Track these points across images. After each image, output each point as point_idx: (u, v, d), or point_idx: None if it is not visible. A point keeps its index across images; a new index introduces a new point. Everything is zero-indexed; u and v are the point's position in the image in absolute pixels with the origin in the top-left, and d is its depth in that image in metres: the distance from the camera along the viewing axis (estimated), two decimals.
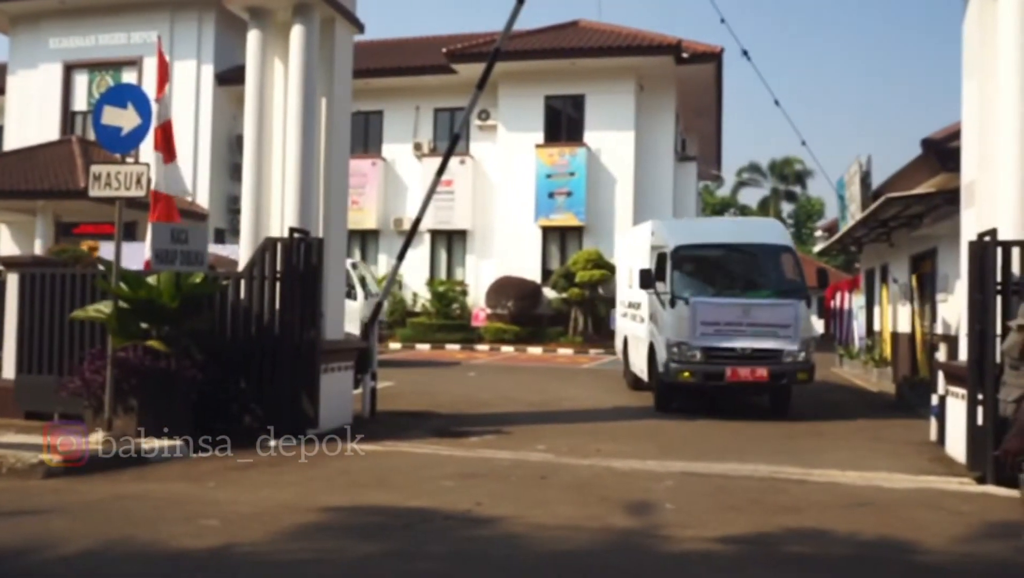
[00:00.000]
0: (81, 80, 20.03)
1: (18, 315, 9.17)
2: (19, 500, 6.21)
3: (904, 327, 15.13)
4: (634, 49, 22.82)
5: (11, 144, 19.66)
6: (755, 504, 6.39)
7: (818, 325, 18.65)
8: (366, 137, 23.91)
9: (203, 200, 19.26)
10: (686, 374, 10.79)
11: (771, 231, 12.67)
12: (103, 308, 8.19)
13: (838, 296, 21.09)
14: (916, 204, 11.96)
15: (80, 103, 20.01)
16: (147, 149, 9.22)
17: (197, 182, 19.40)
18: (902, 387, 13.18)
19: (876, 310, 17.90)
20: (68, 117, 19.97)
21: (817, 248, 28.70)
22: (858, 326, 18.55)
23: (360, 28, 10.16)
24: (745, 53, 12.93)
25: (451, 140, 11.32)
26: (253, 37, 9.28)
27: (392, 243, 23.69)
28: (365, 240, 24.73)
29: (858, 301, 18.93)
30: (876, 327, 17.76)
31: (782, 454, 8.45)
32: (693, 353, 10.75)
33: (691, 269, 11.58)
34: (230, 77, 19.07)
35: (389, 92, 22.96)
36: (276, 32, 9.31)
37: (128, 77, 19.05)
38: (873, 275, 18.54)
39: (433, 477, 7.18)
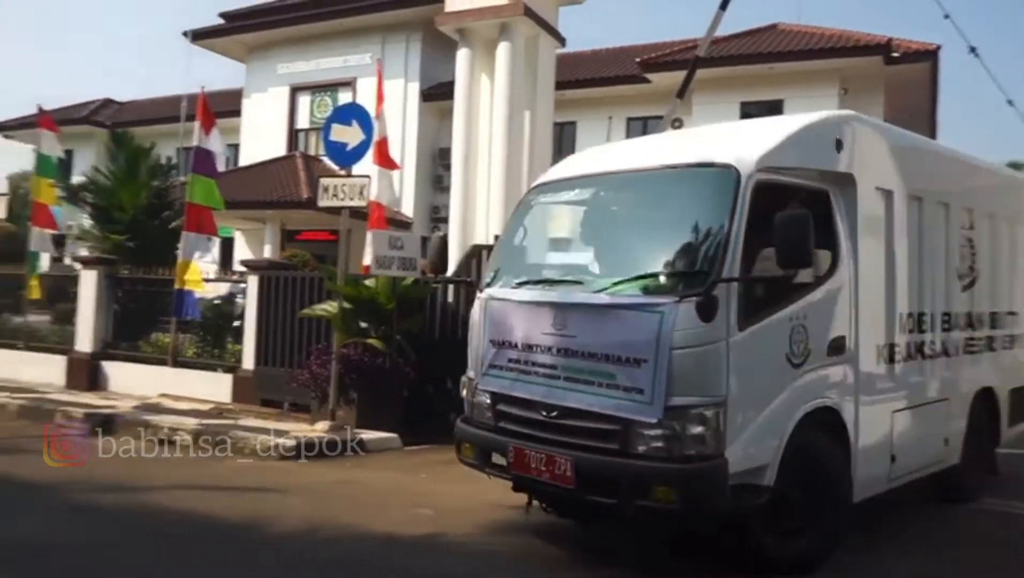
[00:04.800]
0: (304, 101, 21.95)
1: (256, 313, 10.23)
2: (260, 478, 6.97)
3: None
4: (838, 51, 21.61)
5: (245, 160, 21.90)
6: None
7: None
8: (560, 147, 24.33)
9: (408, 209, 20.47)
10: (466, 448, 5.37)
11: (715, 142, 5.49)
12: (328, 307, 8.97)
13: None
14: None
15: (303, 122, 21.92)
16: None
17: (403, 192, 20.67)
18: None
19: None
20: (293, 135, 21.94)
21: None
22: None
23: (562, 42, 10.47)
24: (973, 50, 11.93)
25: None
26: (462, 56, 9.84)
27: None
28: None
29: None
30: None
31: None
32: (481, 402, 5.34)
33: (536, 231, 5.82)
34: (433, 94, 20.13)
35: (582, 103, 23.23)
36: (483, 50, 9.81)
37: (344, 97, 20.61)
38: None
39: None
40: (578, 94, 23.30)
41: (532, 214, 5.74)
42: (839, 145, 5.25)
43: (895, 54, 21.37)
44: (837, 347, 5.03)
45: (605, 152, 6.23)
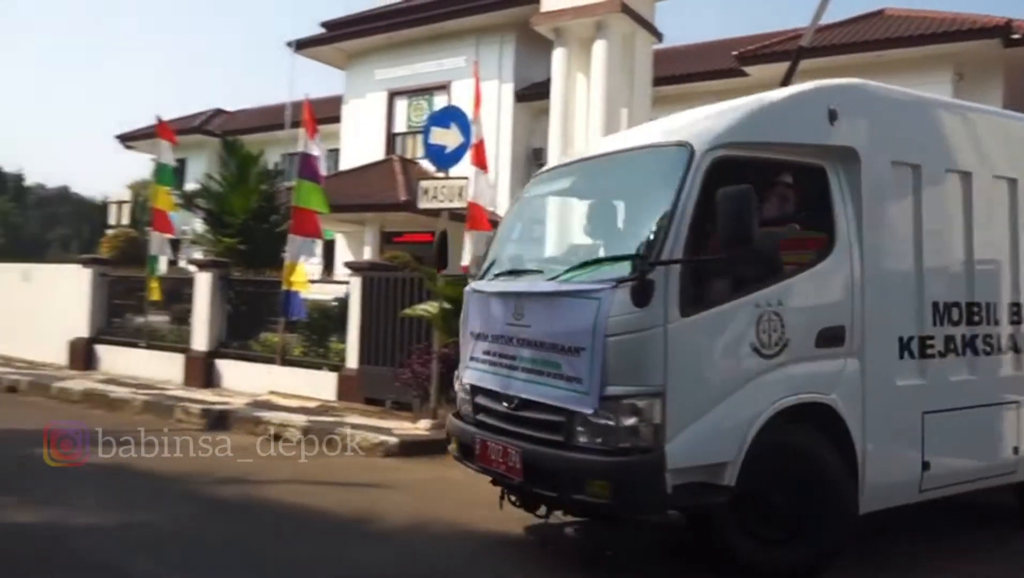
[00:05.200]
0: (401, 105, 22.44)
1: (360, 313, 10.52)
2: (366, 474, 7.18)
3: None
4: (951, 35, 20.51)
5: (345, 164, 22.57)
6: None
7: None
8: None
9: (503, 210, 20.62)
10: (453, 443, 5.33)
11: (694, 120, 5.11)
12: (429, 307, 9.14)
13: None
14: None
15: (400, 125, 22.42)
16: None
17: (497, 193, 20.87)
18: None
19: None
20: (390, 138, 22.46)
21: None
22: None
23: (659, 37, 10.33)
24: None
25: None
26: (558, 55, 9.85)
27: None
28: None
29: None
30: None
31: None
32: (463, 396, 5.35)
33: (524, 222, 5.82)
34: (527, 94, 20.21)
35: (679, 99, 22.70)
36: (579, 49, 9.79)
37: (439, 100, 20.95)
38: None
39: None
40: (675, 90, 22.89)
41: (522, 206, 5.70)
42: (833, 116, 4.75)
43: (1015, 36, 20.14)
44: (832, 338, 4.58)
45: (602, 140, 5.98)
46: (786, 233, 4.84)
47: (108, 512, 5.72)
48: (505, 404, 4.74)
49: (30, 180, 72.39)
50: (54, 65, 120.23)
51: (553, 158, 9.88)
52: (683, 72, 23.54)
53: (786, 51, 18.78)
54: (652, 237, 4.20)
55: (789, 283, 4.51)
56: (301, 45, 22.96)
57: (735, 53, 22.47)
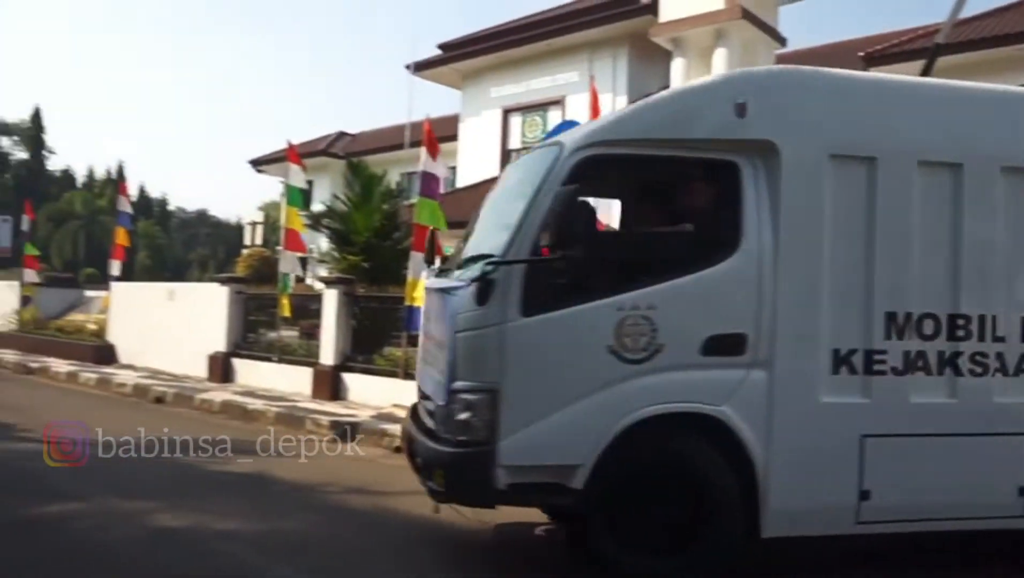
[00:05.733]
0: (515, 122, 22.70)
1: None
2: None
3: None
4: None
5: (462, 182, 23.04)
6: None
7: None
8: None
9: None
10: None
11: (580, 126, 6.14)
12: None
13: None
14: None
15: (514, 142, 22.68)
16: None
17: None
18: None
19: None
20: (505, 155, 22.75)
21: None
22: None
23: (782, 43, 10.01)
24: None
25: None
26: (677, 65, 9.71)
27: None
28: None
29: None
30: None
31: None
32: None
33: (475, 222, 5.86)
34: None
35: None
36: (698, 58, 9.61)
37: (553, 115, 21.07)
38: None
39: None
40: None
41: (482, 206, 5.58)
42: (742, 110, 4.34)
43: None
44: (727, 346, 4.27)
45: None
46: (669, 233, 4.60)
47: (247, 519, 5.99)
48: (423, 399, 5.08)
49: (172, 204, 77.97)
50: (191, 94, 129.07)
51: None
52: None
53: (916, 50, 17.82)
54: (507, 237, 4.27)
55: (668, 286, 4.25)
56: (419, 67, 23.67)
57: (861, 54, 21.56)
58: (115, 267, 17.28)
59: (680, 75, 9.68)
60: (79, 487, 6.58)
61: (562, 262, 4.12)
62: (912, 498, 4.51)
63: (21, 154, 62.60)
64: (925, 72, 9.79)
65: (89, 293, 22.96)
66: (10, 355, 16.86)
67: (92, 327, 17.98)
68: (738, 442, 4.27)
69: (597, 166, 4.34)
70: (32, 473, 6.95)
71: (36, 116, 58.10)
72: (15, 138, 60.30)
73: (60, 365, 15.30)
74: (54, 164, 67.40)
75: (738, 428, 4.26)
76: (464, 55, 22.92)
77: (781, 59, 20.66)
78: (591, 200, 4.87)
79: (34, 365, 15.50)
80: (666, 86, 10.95)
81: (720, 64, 9.26)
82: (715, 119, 4.42)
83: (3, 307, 19.88)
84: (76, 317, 19.88)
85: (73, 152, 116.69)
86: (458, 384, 4.24)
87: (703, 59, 9.62)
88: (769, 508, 4.30)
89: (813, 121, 4.50)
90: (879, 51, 21.29)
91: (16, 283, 19.96)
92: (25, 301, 19.57)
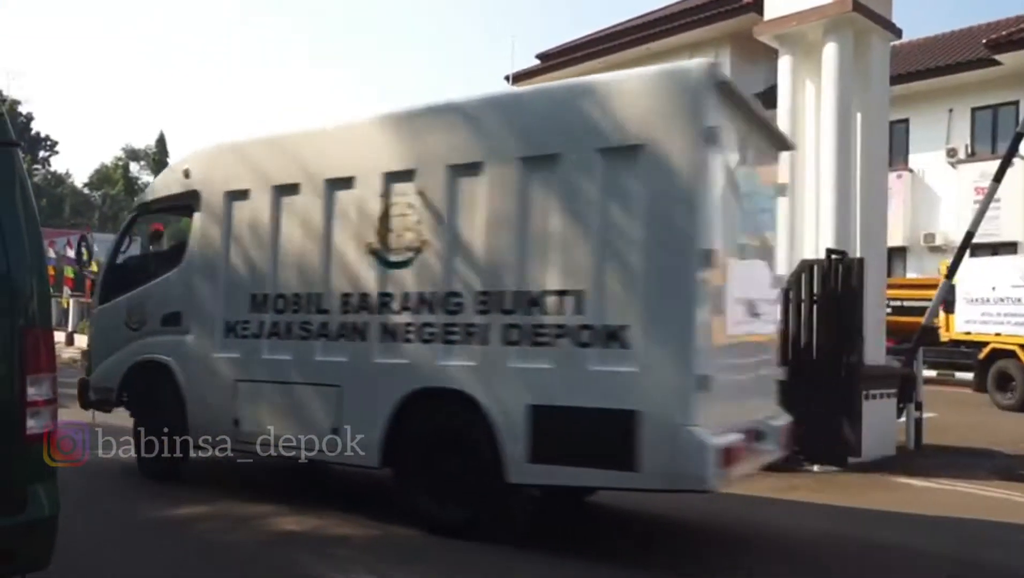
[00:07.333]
0: None
1: None
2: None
3: None
4: None
5: None
6: None
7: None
8: (891, 148, 22.24)
9: None
10: None
11: None
12: None
13: None
14: None
15: None
16: None
17: None
18: None
19: None
20: None
21: None
22: None
23: (897, 34, 9.56)
24: None
25: (1014, 139, 9.92)
26: (784, 63, 9.40)
27: (921, 260, 21.55)
28: (892, 257, 22.87)
29: None
30: None
31: None
32: None
33: None
34: None
35: (914, 97, 21.06)
36: (806, 54, 9.29)
37: None
38: None
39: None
40: (910, 88, 21.13)
41: None
42: (187, 173, 7.20)
43: None
44: (172, 319, 7.03)
45: None
46: (152, 254, 8.61)
47: (363, 525, 6.06)
48: None
49: None
50: (304, 119, 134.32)
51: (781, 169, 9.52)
52: (922, 67, 21.67)
53: None
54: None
55: (150, 286, 7.33)
56: (517, 78, 23.85)
57: (985, 41, 20.31)
58: None
59: (787, 73, 9.41)
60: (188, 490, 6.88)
61: (111, 272, 8.11)
62: (262, 428, 6.17)
63: (148, 178, 66.62)
64: None
65: None
66: None
67: None
68: (175, 383, 6.87)
69: (144, 217, 8.48)
70: (128, 477, 7.16)
71: (161, 140, 61.63)
72: (141, 163, 64.16)
73: None
74: None
75: (176, 371, 6.88)
76: (562, 63, 22.97)
77: (896, 51, 19.80)
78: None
79: None
80: (772, 85, 10.67)
81: (831, 60, 8.94)
82: (177, 182, 7.36)
83: None
84: None
85: None
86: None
87: (811, 55, 9.30)
88: (190, 426, 6.66)
89: (221, 172, 6.95)
90: (1004, 36, 20.04)
91: None
92: None
